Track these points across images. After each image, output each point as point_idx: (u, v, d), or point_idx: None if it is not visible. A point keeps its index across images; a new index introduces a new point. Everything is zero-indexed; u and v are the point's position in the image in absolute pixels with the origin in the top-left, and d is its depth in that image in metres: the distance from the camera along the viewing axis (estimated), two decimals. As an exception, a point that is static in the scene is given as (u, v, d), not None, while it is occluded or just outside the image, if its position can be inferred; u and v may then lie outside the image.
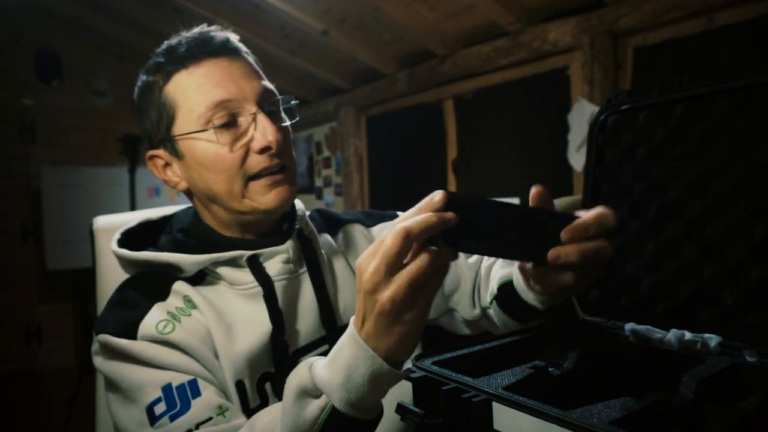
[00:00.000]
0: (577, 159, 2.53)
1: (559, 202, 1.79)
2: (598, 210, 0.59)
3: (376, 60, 3.44)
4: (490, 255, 0.80)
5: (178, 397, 0.69)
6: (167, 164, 0.82)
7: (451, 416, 0.58)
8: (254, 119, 0.77)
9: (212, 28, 0.82)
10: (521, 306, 0.75)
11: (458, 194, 0.53)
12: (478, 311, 0.90)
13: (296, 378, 0.60)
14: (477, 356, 0.71)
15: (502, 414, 0.54)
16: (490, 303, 0.84)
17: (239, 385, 0.75)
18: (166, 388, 0.69)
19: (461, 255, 0.69)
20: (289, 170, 0.80)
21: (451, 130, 3.31)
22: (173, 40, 0.80)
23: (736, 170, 0.69)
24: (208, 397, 0.70)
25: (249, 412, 0.75)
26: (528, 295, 0.73)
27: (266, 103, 0.79)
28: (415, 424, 0.59)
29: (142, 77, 0.81)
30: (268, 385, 0.78)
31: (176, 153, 0.80)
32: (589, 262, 0.57)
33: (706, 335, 0.67)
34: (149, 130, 0.81)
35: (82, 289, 4.39)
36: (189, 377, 0.71)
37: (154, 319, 0.74)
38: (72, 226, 4.14)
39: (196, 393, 0.70)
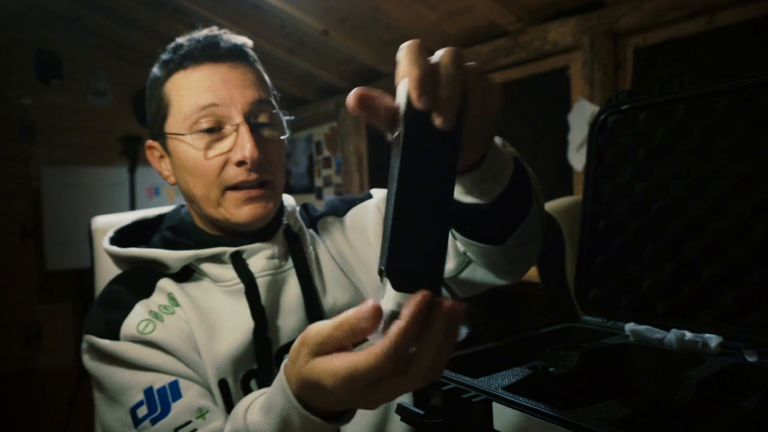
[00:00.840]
0: (577, 159, 2.53)
1: (560, 203, 1.78)
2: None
3: (376, 60, 3.44)
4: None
5: (159, 401, 0.69)
6: (162, 156, 0.84)
7: (451, 416, 0.58)
8: (236, 130, 0.76)
9: (222, 32, 0.81)
10: (469, 212, 0.62)
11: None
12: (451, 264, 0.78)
13: (232, 424, 0.56)
14: (477, 356, 0.71)
15: (502, 414, 0.54)
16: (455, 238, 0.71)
17: (222, 384, 0.74)
18: (148, 392, 0.70)
19: None
20: (271, 185, 0.79)
21: (451, 130, 3.30)
22: (182, 39, 0.81)
23: (736, 170, 0.69)
24: (188, 400, 0.70)
25: None
26: (463, 189, 0.60)
27: (253, 116, 0.78)
28: (416, 424, 0.59)
29: (153, 69, 0.83)
30: (253, 383, 0.77)
31: (166, 149, 0.82)
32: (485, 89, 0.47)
33: (706, 335, 0.67)
34: (150, 122, 0.84)
35: (82, 289, 4.39)
36: (170, 378, 0.71)
37: (135, 319, 0.74)
38: (72, 226, 4.13)
39: (177, 395, 0.70)
